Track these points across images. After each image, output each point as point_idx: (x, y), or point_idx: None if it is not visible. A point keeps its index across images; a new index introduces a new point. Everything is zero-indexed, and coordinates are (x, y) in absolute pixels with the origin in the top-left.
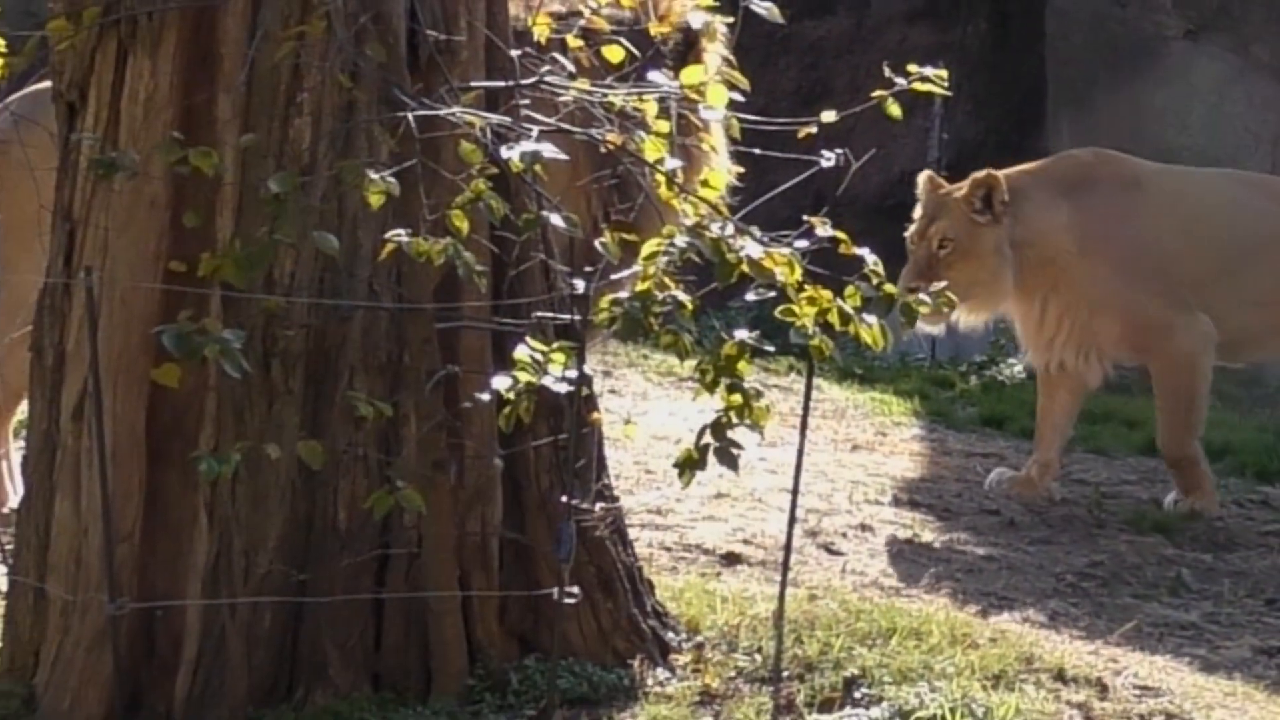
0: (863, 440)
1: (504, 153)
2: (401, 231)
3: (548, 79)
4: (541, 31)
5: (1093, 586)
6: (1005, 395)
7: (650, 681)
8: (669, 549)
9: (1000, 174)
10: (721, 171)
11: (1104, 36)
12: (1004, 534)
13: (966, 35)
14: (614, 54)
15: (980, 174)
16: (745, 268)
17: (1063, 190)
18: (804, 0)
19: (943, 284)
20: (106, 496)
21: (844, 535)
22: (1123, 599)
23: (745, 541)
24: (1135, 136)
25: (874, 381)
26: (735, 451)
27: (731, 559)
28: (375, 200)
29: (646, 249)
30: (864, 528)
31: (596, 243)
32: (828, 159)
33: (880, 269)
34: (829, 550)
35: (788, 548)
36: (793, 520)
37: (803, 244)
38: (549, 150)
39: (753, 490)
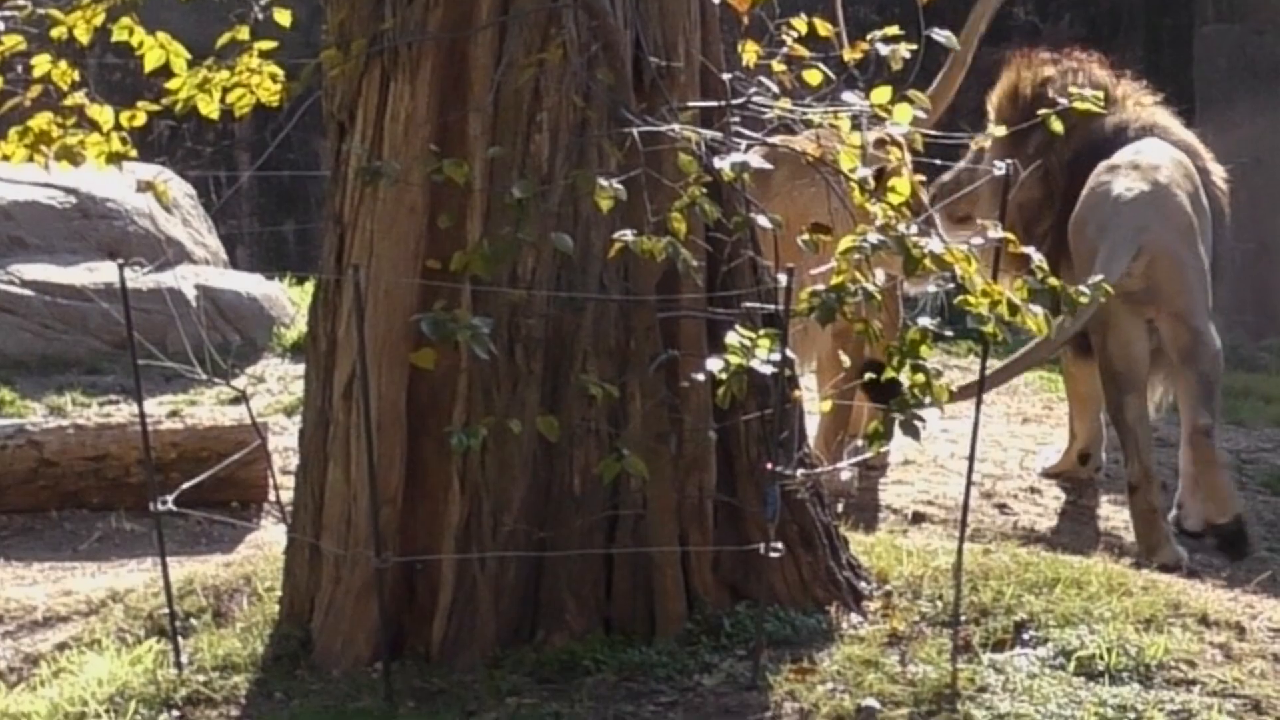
0: (1032, 414)
1: (717, 163)
2: (628, 232)
3: (755, 99)
4: (749, 57)
5: None
6: None
7: (845, 625)
8: (861, 509)
9: None
10: (907, 179)
11: (1244, 60)
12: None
13: (1123, 59)
14: (813, 77)
15: None
16: (929, 262)
17: None
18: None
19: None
20: (372, 465)
21: (1015, 497)
22: (1259, 552)
23: (929, 503)
24: (1272, 148)
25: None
26: (918, 424)
27: (916, 518)
28: (605, 205)
29: (842, 245)
30: (1033, 490)
31: (797, 240)
32: (999, 168)
33: (1045, 265)
34: (1002, 510)
35: (965, 508)
36: (970, 484)
37: (977, 241)
38: (755, 161)
39: (935, 458)
